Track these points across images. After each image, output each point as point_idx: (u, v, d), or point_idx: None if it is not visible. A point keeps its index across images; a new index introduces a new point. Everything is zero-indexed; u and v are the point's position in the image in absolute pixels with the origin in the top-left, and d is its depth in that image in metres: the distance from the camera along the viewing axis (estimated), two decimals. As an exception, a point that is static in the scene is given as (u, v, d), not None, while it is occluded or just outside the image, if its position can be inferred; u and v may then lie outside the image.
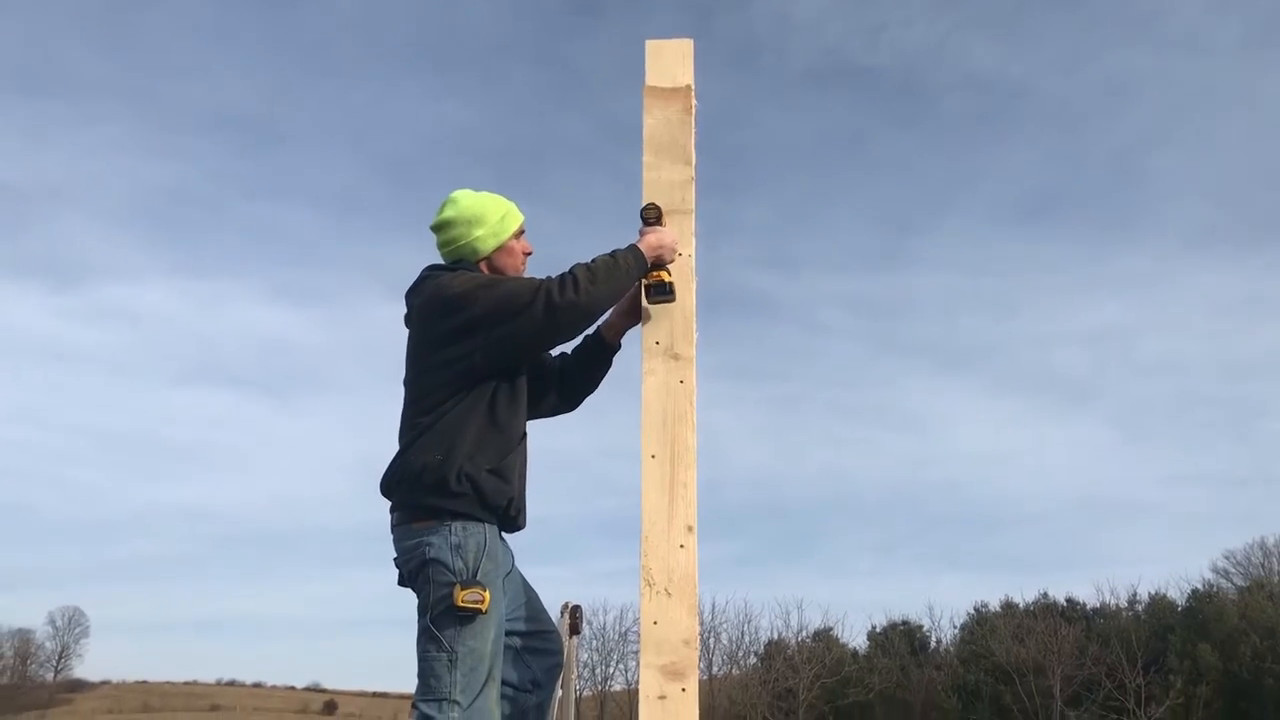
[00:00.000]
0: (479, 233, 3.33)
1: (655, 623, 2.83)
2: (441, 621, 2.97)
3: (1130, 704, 26.51)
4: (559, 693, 3.43)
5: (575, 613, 3.68)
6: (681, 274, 3.18)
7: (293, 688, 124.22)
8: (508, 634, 3.18)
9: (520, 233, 3.43)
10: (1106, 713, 27.52)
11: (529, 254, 3.45)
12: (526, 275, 3.38)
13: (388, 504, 3.24)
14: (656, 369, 3.08)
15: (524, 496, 3.24)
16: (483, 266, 3.33)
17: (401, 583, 3.20)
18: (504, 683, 3.19)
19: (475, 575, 2.97)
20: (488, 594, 2.96)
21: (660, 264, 3.18)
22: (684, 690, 2.78)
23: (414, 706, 2.98)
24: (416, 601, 3.06)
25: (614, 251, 3.13)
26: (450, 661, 2.95)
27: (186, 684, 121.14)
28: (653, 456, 2.99)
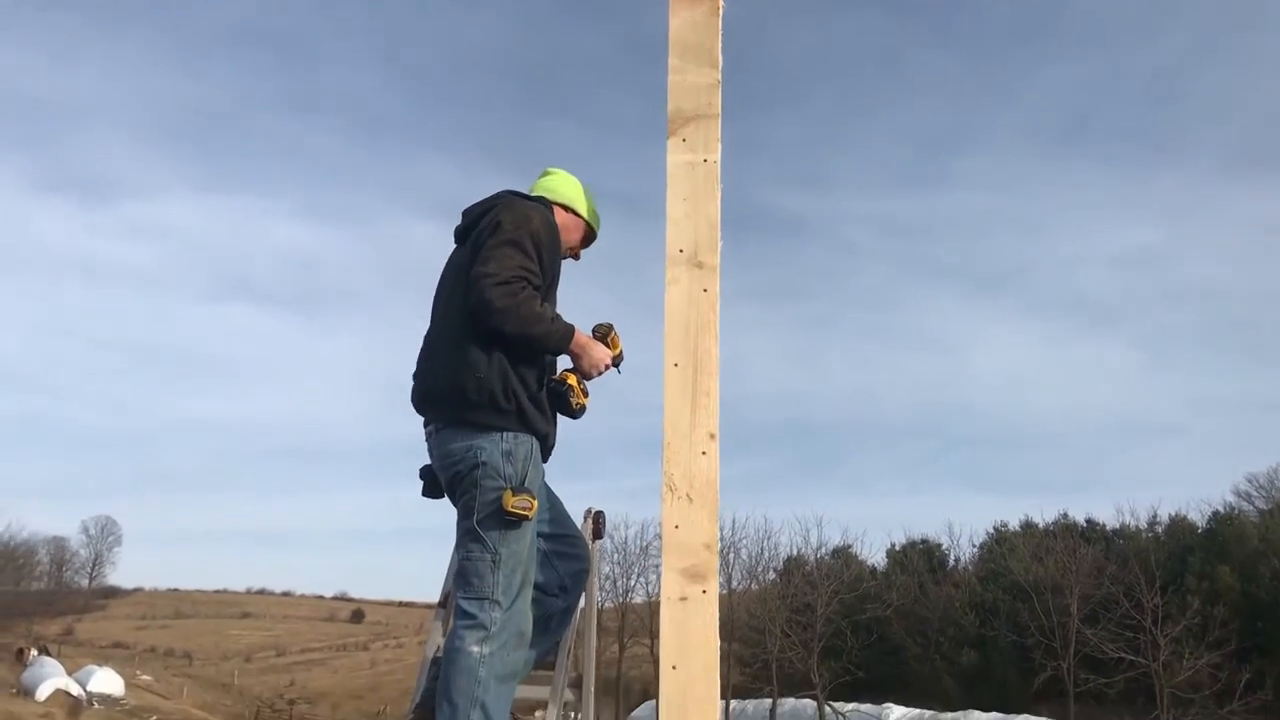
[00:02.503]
0: (569, 192, 3.57)
1: (677, 527, 2.87)
2: (487, 524, 3.11)
3: (1147, 623, 26.71)
4: (583, 602, 3.50)
5: (598, 518, 3.73)
6: (707, 180, 3.16)
7: (321, 597, 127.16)
8: (541, 536, 3.29)
9: (584, 236, 3.64)
10: (1123, 631, 27.74)
11: (573, 251, 3.63)
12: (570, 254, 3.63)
13: (421, 418, 3.33)
14: (680, 277, 3.07)
15: (555, 430, 3.38)
16: (556, 210, 3.52)
17: (429, 493, 3.28)
18: (534, 585, 3.31)
19: (524, 482, 3.08)
20: (535, 502, 3.11)
21: (580, 371, 3.34)
22: (704, 592, 2.83)
23: (456, 603, 3.10)
24: (458, 505, 3.16)
25: (559, 320, 3.28)
26: (494, 563, 3.10)
27: (217, 592, 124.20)
28: (675, 365, 3.00)
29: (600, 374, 3.39)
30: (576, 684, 3.51)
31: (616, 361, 3.52)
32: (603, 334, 3.48)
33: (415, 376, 3.39)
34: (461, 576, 3.15)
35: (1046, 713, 35.39)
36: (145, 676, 57.86)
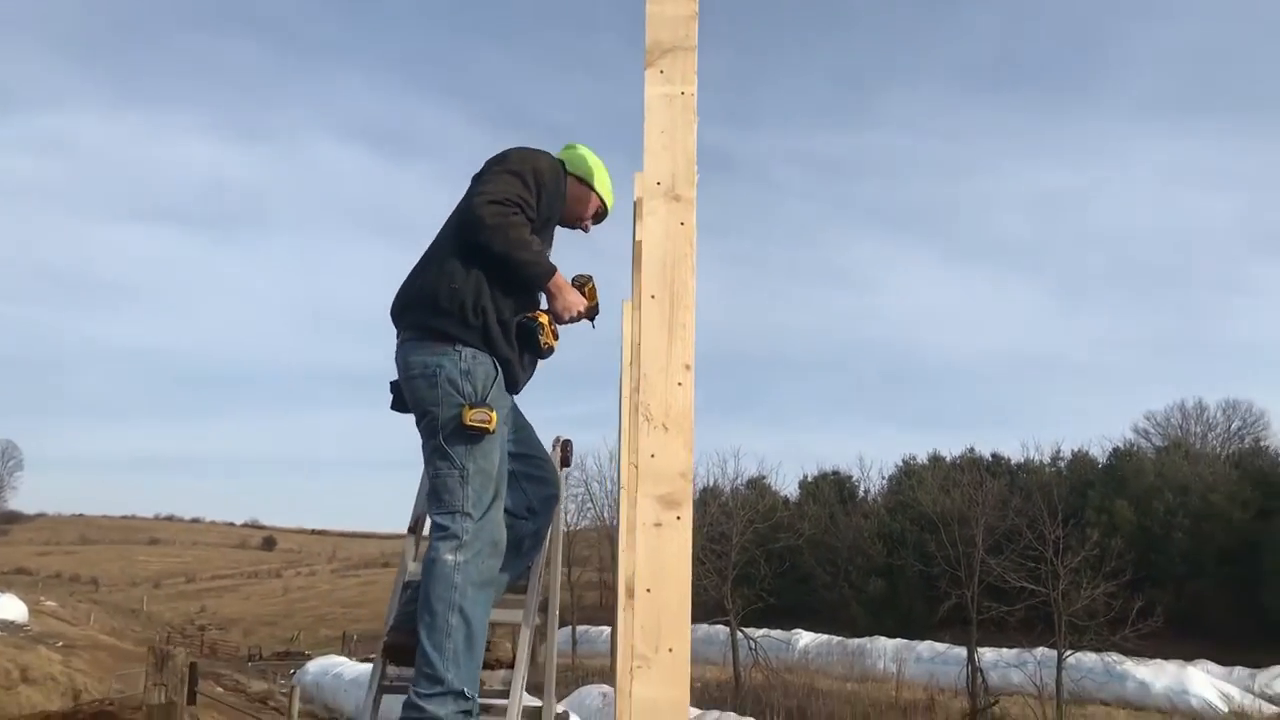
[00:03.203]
0: (588, 167, 3.66)
1: (653, 456, 2.93)
2: (452, 439, 3.20)
3: (1048, 554, 27.72)
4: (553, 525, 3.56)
5: (566, 446, 3.79)
6: (684, 113, 3.17)
7: (231, 524, 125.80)
8: (510, 457, 3.35)
9: (601, 212, 3.73)
10: (1025, 561, 28.79)
11: (582, 223, 3.74)
12: (574, 223, 3.74)
13: (395, 329, 3.35)
14: (657, 209, 3.10)
15: (526, 369, 3.43)
16: (577, 194, 3.65)
17: (397, 407, 3.32)
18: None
19: (484, 399, 3.10)
20: (494, 415, 3.18)
21: (553, 312, 3.40)
22: (679, 518, 2.90)
23: (431, 520, 3.16)
24: (421, 425, 3.20)
25: (544, 255, 3.36)
26: (462, 478, 3.20)
27: (124, 518, 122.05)
28: (652, 297, 3.04)
29: (573, 319, 3.45)
30: (543, 608, 3.58)
31: (592, 314, 3.60)
32: (581, 283, 3.56)
33: (399, 289, 3.42)
34: (433, 494, 3.25)
35: (949, 639, 36.75)
36: (50, 602, 56.93)
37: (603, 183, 3.70)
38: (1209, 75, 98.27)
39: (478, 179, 3.38)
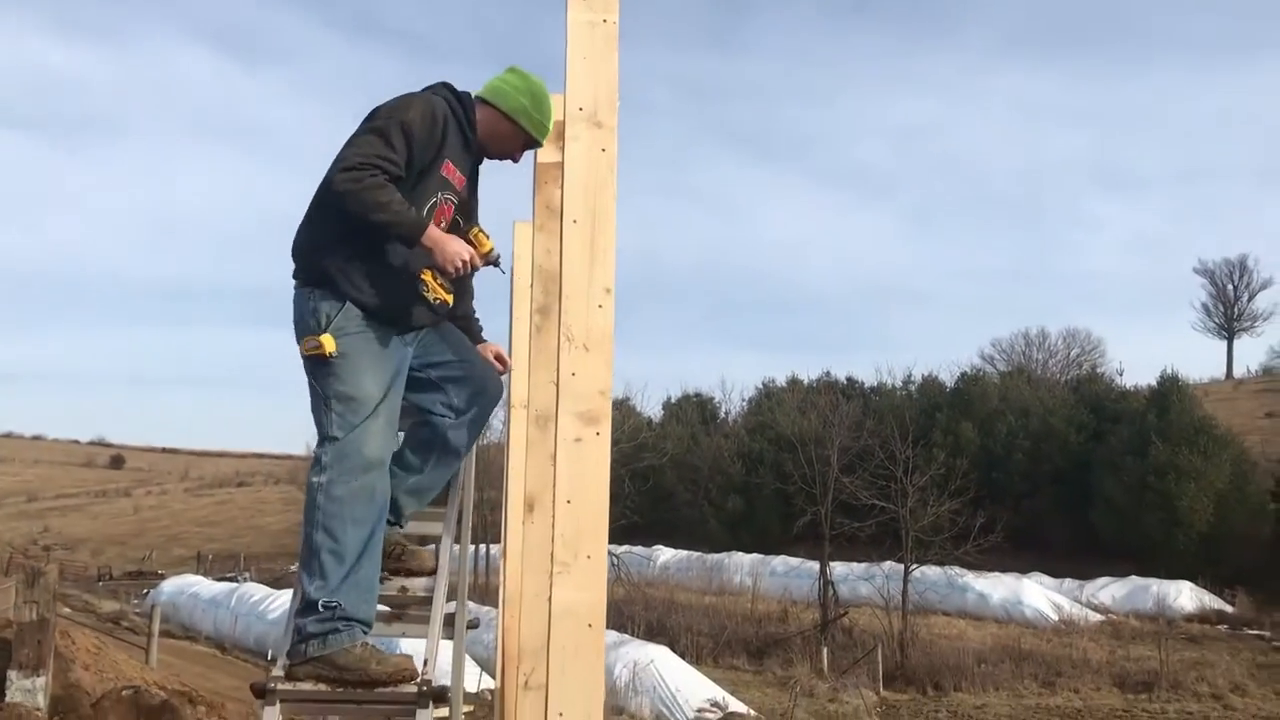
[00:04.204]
0: (520, 100, 3.61)
1: (573, 374, 3.05)
2: (309, 371, 3.39)
3: (899, 473, 28.97)
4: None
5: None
6: (606, 41, 3.24)
7: (76, 441, 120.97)
8: (425, 368, 3.58)
9: (531, 141, 3.69)
10: (876, 480, 30.04)
11: (511, 159, 3.74)
12: (502, 156, 3.72)
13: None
14: (580, 135, 3.17)
15: (403, 301, 3.47)
16: (488, 113, 3.62)
17: None
18: (423, 409, 3.61)
19: (324, 328, 3.33)
20: (327, 339, 3.30)
21: (436, 267, 3.44)
22: (598, 434, 3.04)
23: None
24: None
25: (410, 209, 3.35)
26: (325, 405, 3.34)
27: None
28: (574, 221, 3.13)
29: (461, 270, 3.47)
30: (456, 521, 3.70)
31: (493, 259, 3.67)
32: (470, 235, 3.61)
33: None
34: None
35: (803, 554, 38.24)
36: (-122, 523, 54.04)
37: (533, 119, 3.65)
38: (1064, 14, 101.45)
39: (347, 142, 3.41)
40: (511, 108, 3.62)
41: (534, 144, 3.74)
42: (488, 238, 3.69)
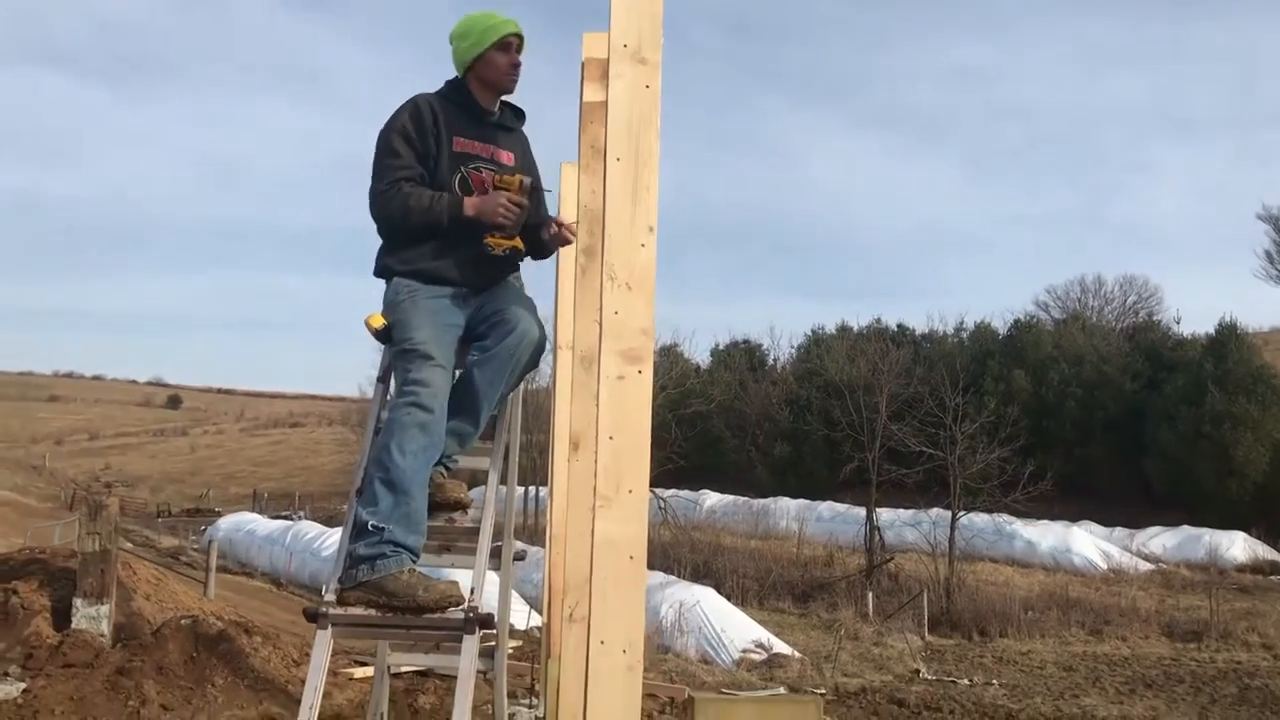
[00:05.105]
0: (463, 45, 3.88)
1: (616, 312, 3.08)
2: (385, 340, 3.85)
3: (948, 420, 28.79)
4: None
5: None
6: (651, -21, 3.23)
7: (134, 381, 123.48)
8: (479, 323, 3.83)
9: (503, 45, 3.87)
10: (925, 426, 29.88)
11: (516, 65, 3.92)
12: (505, 80, 3.94)
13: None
14: (624, 73, 3.17)
15: (445, 260, 3.79)
16: (470, 78, 3.90)
17: None
18: (469, 355, 3.81)
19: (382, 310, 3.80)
20: (372, 318, 3.78)
21: (495, 226, 3.73)
22: (640, 372, 3.08)
23: None
24: None
25: (441, 197, 3.70)
26: (394, 358, 3.77)
27: (21, 374, 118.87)
28: (618, 159, 3.14)
29: (508, 218, 3.73)
30: (505, 456, 3.79)
31: (526, 189, 3.81)
32: (496, 185, 3.80)
33: None
34: None
35: (849, 500, 38.26)
36: (-53, 458, 55.69)
37: (488, 29, 3.87)
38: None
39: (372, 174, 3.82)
40: (467, 53, 3.88)
41: (503, 45, 3.90)
42: (511, 175, 3.85)
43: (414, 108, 3.83)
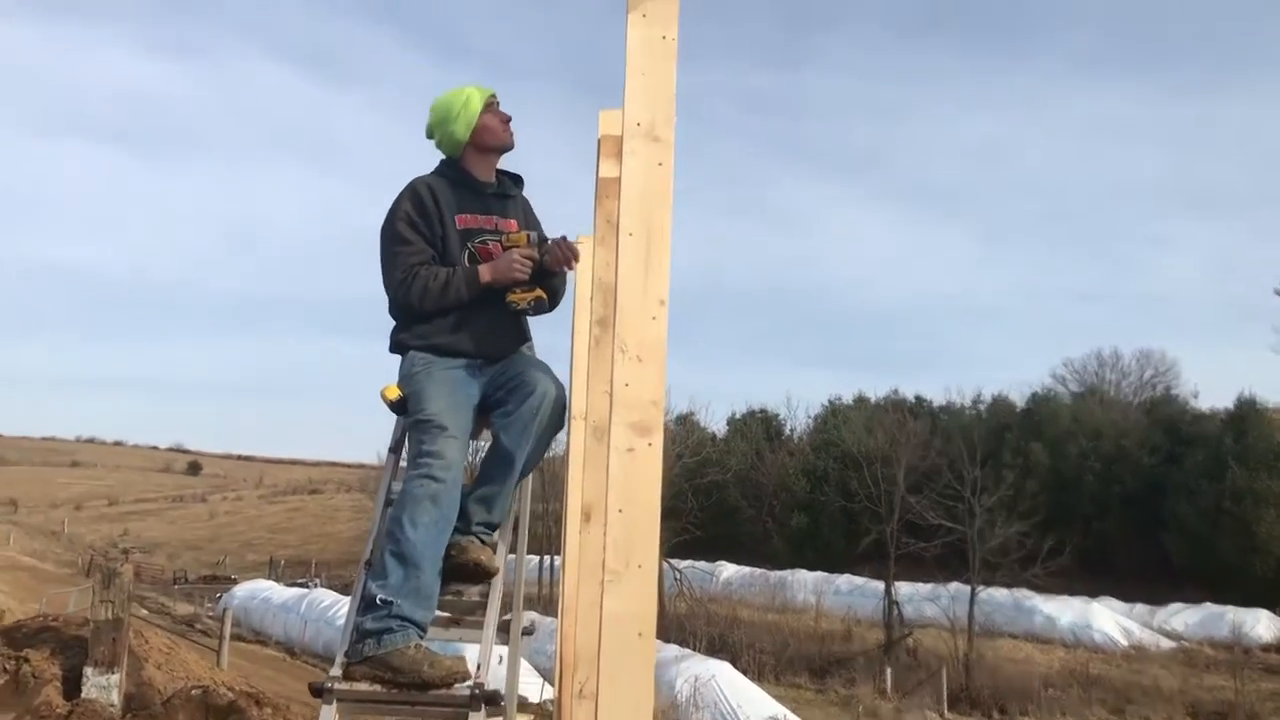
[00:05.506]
0: (451, 128, 3.93)
1: (627, 385, 3.09)
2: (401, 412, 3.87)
3: (966, 493, 28.61)
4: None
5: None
6: (665, 57, 3.29)
7: (155, 447, 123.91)
8: (496, 390, 3.83)
9: (490, 106, 3.97)
10: (944, 500, 29.69)
11: (508, 120, 4.01)
12: (506, 137, 4.02)
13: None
14: (637, 150, 3.22)
15: (460, 334, 3.83)
16: (468, 152, 3.96)
17: None
18: (491, 422, 3.84)
19: (398, 382, 3.81)
20: (387, 389, 3.80)
21: (514, 284, 3.82)
22: (650, 445, 3.07)
23: None
24: None
25: (455, 272, 3.78)
26: (410, 430, 3.75)
27: (44, 439, 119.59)
28: (630, 235, 3.17)
29: (522, 273, 3.81)
30: (515, 527, 3.78)
31: (534, 242, 3.88)
32: (504, 246, 3.88)
33: None
34: None
35: (868, 573, 37.84)
36: (-34, 523, 55.79)
37: (469, 100, 3.95)
38: (1139, 34, 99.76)
39: (382, 268, 3.88)
40: (460, 136, 3.95)
41: (488, 108, 3.97)
42: (515, 232, 3.93)
43: (413, 192, 3.89)
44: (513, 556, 3.87)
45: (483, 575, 3.60)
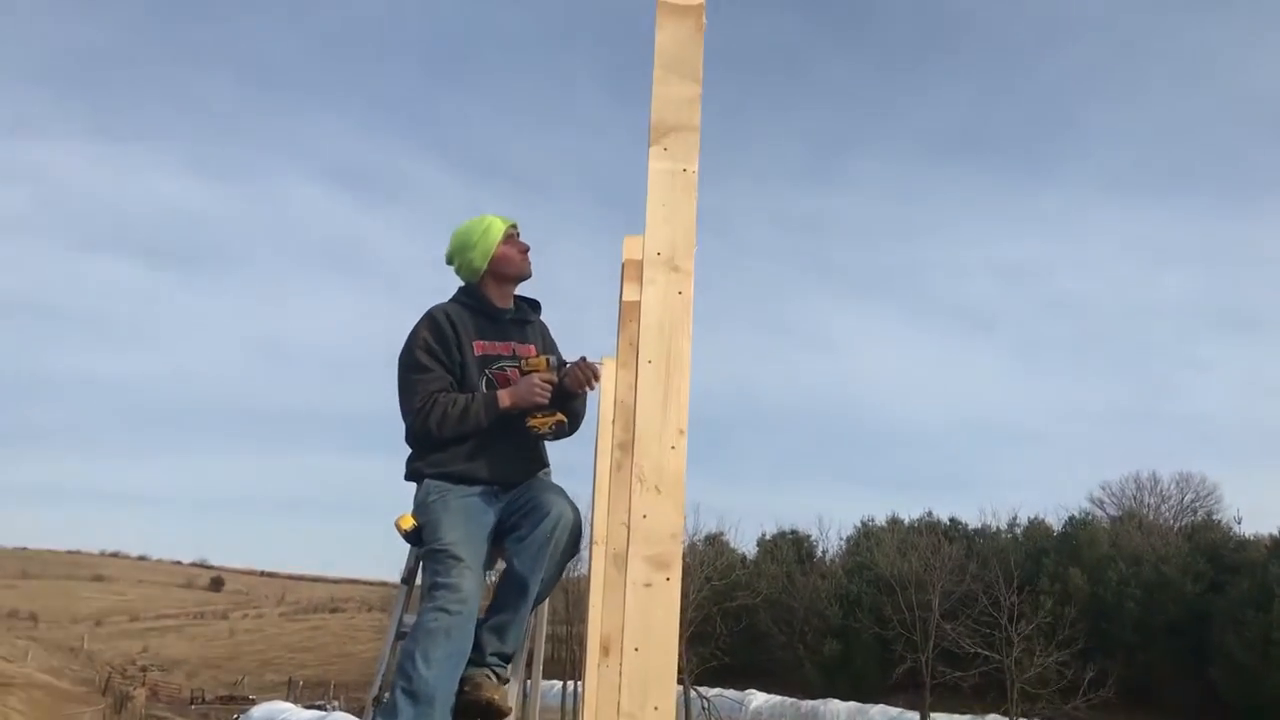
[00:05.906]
0: (470, 255, 3.99)
1: (645, 516, 3.02)
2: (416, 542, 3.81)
3: (1003, 620, 27.93)
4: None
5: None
6: (685, 189, 3.31)
7: (179, 562, 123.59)
8: (512, 515, 3.80)
9: (510, 237, 4.02)
10: (980, 627, 28.97)
11: (526, 250, 4.06)
12: (524, 267, 4.07)
13: None
14: (657, 279, 3.21)
15: (477, 460, 3.84)
16: (487, 280, 3.99)
17: None
18: (507, 549, 3.76)
19: (413, 511, 3.79)
20: (401, 519, 3.76)
21: (535, 409, 3.84)
22: (668, 579, 2.98)
23: None
24: None
25: (475, 398, 3.80)
26: (424, 561, 3.70)
27: (69, 553, 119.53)
28: (649, 362, 3.14)
29: (543, 397, 3.83)
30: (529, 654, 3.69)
31: (553, 365, 3.91)
32: (523, 371, 3.91)
33: None
34: None
35: (903, 703, 36.74)
36: (-12, 638, 55.47)
37: (488, 230, 3.99)
38: (1172, 155, 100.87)
39: (399, 395, 3.90)
40: (479, 265, 3.99)
41: (507, 239, 4.02)
42: (534, 356, 3.96)
43: (431, 320, 3.91)
44: (529, 681, 3.78)
45: (495, 716, 3.49)
